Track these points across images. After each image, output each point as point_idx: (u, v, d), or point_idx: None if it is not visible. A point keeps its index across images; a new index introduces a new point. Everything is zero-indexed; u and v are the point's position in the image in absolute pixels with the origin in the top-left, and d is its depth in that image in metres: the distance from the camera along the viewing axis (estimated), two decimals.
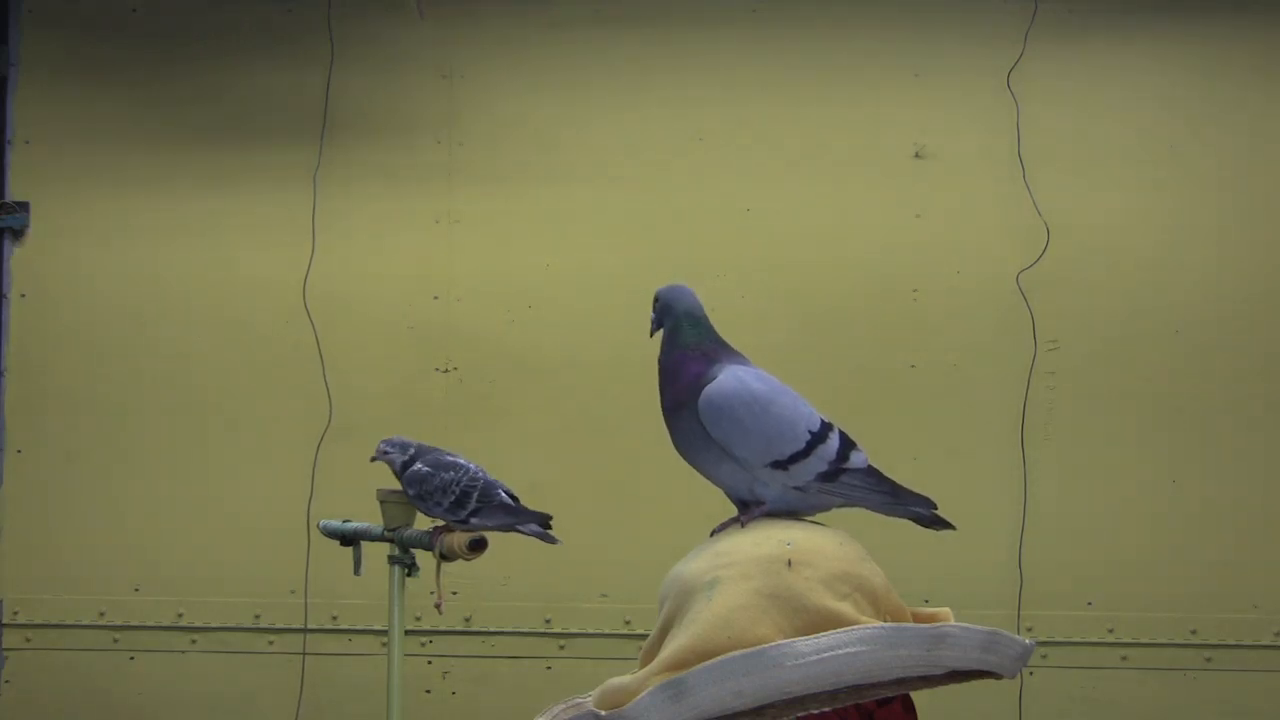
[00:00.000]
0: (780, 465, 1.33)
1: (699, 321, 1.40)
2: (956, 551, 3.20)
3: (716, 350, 1.38)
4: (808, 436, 1.34)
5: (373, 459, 2.40)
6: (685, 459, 1.38)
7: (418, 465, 2.38)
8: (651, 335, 1.44)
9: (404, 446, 2.43)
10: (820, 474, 1.34)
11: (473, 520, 2.34)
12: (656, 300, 1.44)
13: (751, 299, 3.34)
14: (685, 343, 1.38)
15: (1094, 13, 3.43)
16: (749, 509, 1.35)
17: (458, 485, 2.34)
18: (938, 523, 1.42)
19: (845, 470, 1.35)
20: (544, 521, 2.38)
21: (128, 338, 3.42)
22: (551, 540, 2.39)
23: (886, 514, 1.41)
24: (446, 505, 2.34)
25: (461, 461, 2.38)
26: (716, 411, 1.33)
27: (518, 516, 2.37)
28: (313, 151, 3.42)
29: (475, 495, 2.35)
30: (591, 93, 3.46)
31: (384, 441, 2.42)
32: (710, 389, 1.33)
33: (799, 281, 3.40)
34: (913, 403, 3.37)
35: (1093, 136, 3.41)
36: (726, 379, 1.34)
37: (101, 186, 3.45)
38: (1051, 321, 3.36)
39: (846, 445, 1.36)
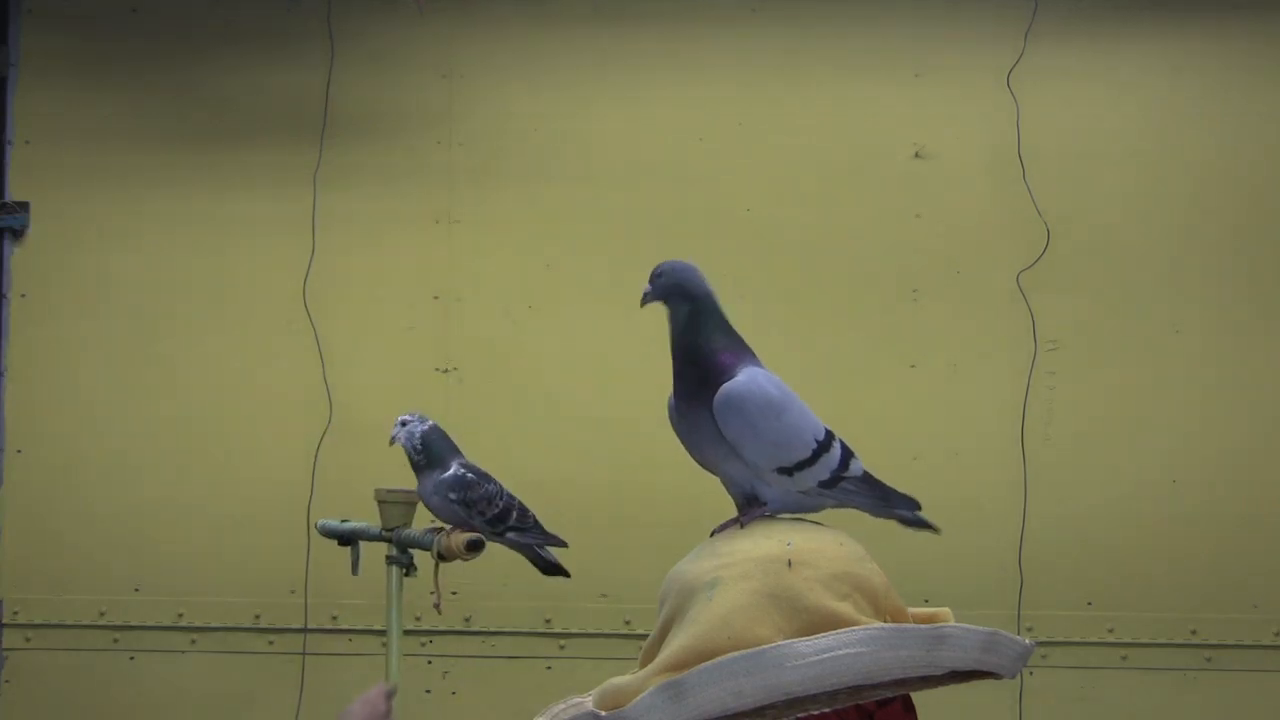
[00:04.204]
0: (786, 471, 1.34)
1: (715, 310, 1.40)
2: (956, 551, 3.19)
3: (736, 347, 1.38)
4: (814, 445, 1.35)
5: (392, 441, 2.29)
6: (689, 451, 1.39)
7: (456, 468, 2.28)
8: (643, 305, 1.42)
9: (422, 420, 2.31)
10: (822, 481, 1.35)
11: (509, 536, 2.30)
12: (659, 275, 1.41)
13: (751, 299, 3.33)
14: (705, 333, 1.38)
15: (1094, 13, 3.43)
16: (750, 507, 1.35)
17: (500, 499, 2.29)
18: (921, 524, 1.43)
19: (844, 477, 1.37)
20: (560, 545, 2.39)
21: (128, 338, 3.42)
22: (565, 574, 2.40)
23: (875, 515, 1.43)
24: (489, 517, 2.28)
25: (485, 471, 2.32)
26: (732, 412, 1.33)
27: (547, 538, 2.36)
28: (313, 151, 3.42)
29: (514, 514, 2.30)
30: (592, 92, 3.46)
31: (407, 418, 2.29)
32: (728, 388, 1.33)
33: (799, 281, 3.40)
34: (913, 403, 3.37)
35: (1093, 136, 3.41)
36: (745, 381, 1.34)
37: (101, 186, 3.45)
38: (1051, 321, 3.36)
39: (846, 454, 1.38)
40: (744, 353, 1.38)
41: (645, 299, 1.42)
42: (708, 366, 1.35)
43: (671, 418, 1.40)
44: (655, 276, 1.42)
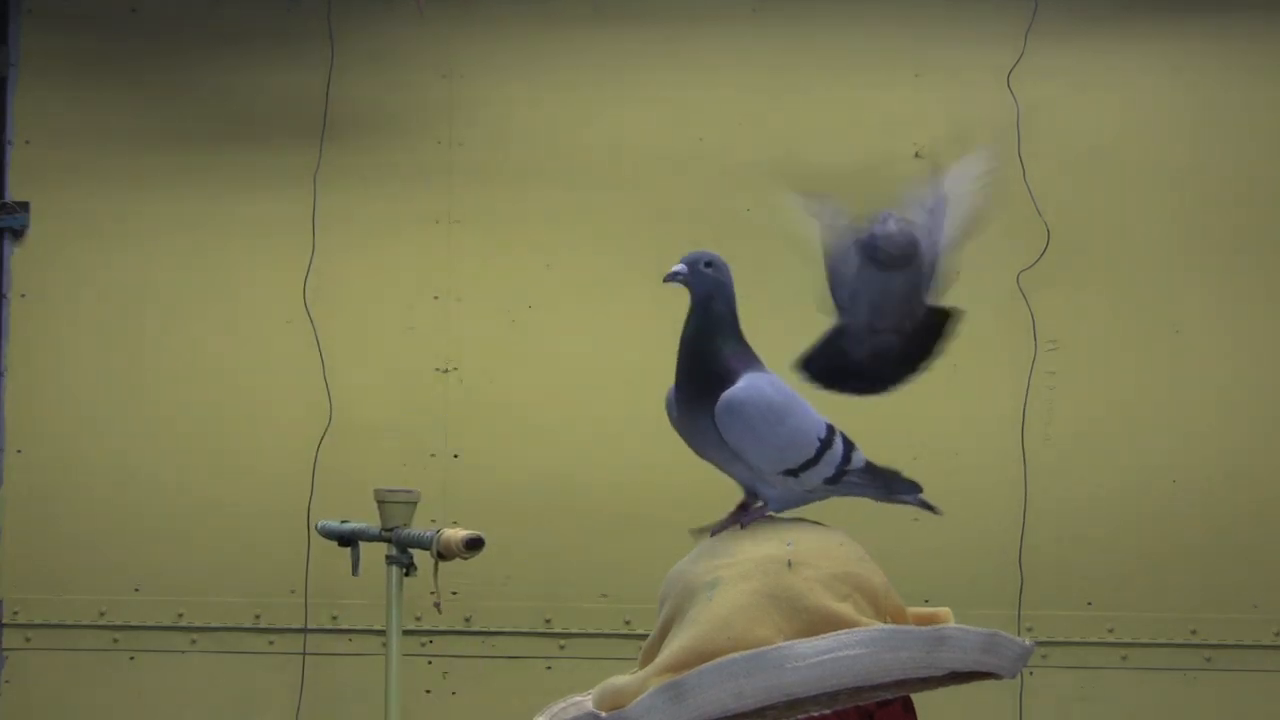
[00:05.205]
0: (792, 473, 1.34)
1: (735, 318, 1.39)
2: (956, 551, 3.20)
3: (745, 354, 1.37)
4: (817, 444, 1.35)
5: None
6: (692, 448, 1.38)
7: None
8: (666, 281, 1.38)
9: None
10: (827, 478, 1.35)
11: None
12: (709, 264, 1.38)
13: (751, 299, 3.33)
14: (722, 339, 1.37)
15: (1094, 13, 3.42)
16: (753, 503, 1.36)
17: None
18: (923, 505, 1.44)
19: (848, 471, 1.37)
20: None
21: (128, 338, 3.42)
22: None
23: (878, 501, 1.43)
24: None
25: None
26: (734, 418, 1.32)
27: None
28: (313, 151, 3.42)
29: None
30: (592, 92, 3.45)
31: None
32: (729, 396, 1.33)
33: (798, 282, 3.39)
34: (913, 403, 3.35)
35: (1093, 136, 3.41)
36: (745, 387, 1.33)
37: (101, 186, 3.44)
38: (1051, 321, 3.36)
39: (848, 447, 1.37)
40: (752, 360, 1.38)
41: (676, 277, 1.38)
42: (715, 373, 1.35)
43: (670, 411, 1.40)
44: (704, 264, 1.38)
